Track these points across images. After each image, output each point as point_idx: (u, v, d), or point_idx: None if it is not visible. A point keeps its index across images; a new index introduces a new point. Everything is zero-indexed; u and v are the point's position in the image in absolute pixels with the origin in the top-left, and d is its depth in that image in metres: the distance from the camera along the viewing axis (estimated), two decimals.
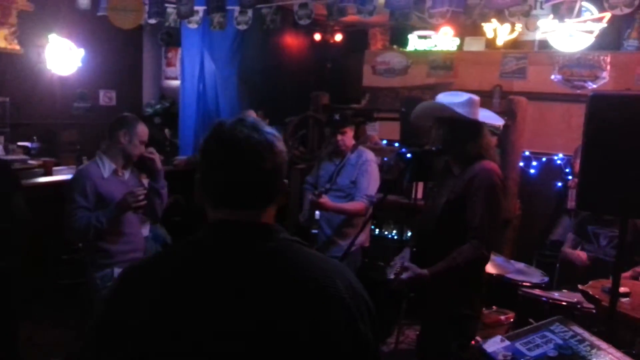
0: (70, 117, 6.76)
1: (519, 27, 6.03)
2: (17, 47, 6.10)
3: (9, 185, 3.06)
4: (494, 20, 6.02)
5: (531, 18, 5.56)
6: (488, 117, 2.80)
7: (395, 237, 5.44)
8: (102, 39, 6.73)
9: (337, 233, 3.90)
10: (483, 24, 6.13)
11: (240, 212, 1.17)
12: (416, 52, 6.52)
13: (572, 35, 5.44)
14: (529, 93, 5.30)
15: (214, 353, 1.07)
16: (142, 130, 3.05)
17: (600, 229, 3.91)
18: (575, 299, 3.50)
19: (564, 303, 3.47)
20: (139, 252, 3.14)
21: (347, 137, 3.91)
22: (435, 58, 6.32)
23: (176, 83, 7.88)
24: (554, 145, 5.51)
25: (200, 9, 5.29)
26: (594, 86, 5.41)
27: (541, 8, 5.52)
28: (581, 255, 3.92)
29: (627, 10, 3.88)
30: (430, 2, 4.33)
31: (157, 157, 3.11)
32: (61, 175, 5.09)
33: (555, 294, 3.69)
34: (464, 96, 2.67)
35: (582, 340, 1.96)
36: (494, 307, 3.67)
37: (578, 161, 4.91)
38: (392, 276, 2.49)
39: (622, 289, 2.42)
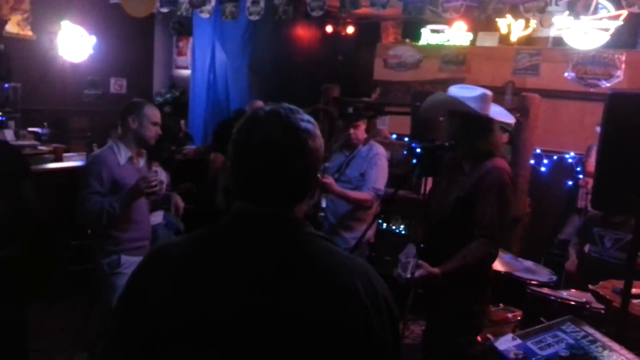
0: (81, 104, 6.78)
1: (533, 23, 5.97)
2: (30, 33, 6.12)
3: (18, 171, 3.06)
4: (508, 15, 5.96)
5: (546, 14, 5.50)
6: (499, 113, 2.77)
7: (403, 232, 5.42)
8: (113, 27, 6.73)
9: (341, 224, 3.88)
10: (497, 19, 6.08)
11: (267, 207, 1.15)
12: (428, 47, 6.48)
13: (587, 32, 5.39)
14: (542, 90, 5.24)
15: (227, 339, 1.07)
16: (151, 112, 3.04)
17: (606, 231, 3.89)
18: (584, 299, 3.49)
19: (572, 303, 3.45)
20: (147, 240, 3.15)
21: (360, 131, 3.89)
22: (448, 53, 6.27)
23: (187, 72, 7.88)
24: (565, 143, 5.47)
25: None
26: (608, 85, 5.35)
27: (556, 4, 5.45)
28: (571, 266, 3.98)
29: None
30: None
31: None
32: (71, 162, 5.11)
33: (564, 293, 3.67)
34: (477, 91, 2.63)
35: (594, 341, 1.94)
36: (500, 304, 3.65)
37: (590, 160, 4.93)
38: (408, 275, 2.44)
39: (633, 290, 2.39)
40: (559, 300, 3.49)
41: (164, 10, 5.44)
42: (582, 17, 5.22)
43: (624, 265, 2.47)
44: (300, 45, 7.52)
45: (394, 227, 5.41)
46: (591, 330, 2.01)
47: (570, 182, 5.40)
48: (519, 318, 3.49)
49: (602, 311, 3.23)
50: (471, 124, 2.59)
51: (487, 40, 6.22)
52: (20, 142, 5.17)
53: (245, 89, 6.89)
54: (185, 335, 1.08)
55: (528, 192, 5.03)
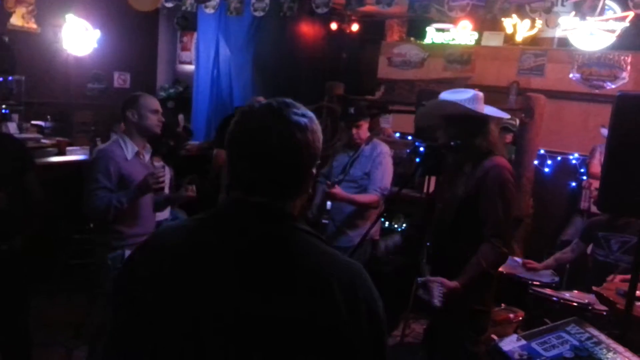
0: (84, 97, 6.78)
1: (539, 23, 5.96)
2: (34, 26, 6.12)
3: (23, 164, 3.05)
4: (514, 15, 5.95)
5: (552, 15, 5.48)
6: (493, 111, 2.77)
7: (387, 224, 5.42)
8: (118, 21, 6.73)
9: (347, 224, 3.88)
10: (503, 19, 6.06)
11: (257, 198, 1.16)
12: (433, 45, 6.47)
13: (593, 33, 5.37)
14: (547, 91, 5.24)
15: (208, 329, 1.07)
16: (148, 101, 3.01)
17: (612, 234, 3.87)
18: (587, 300, 3.48)
19: (574, 304, 3.45)
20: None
21: (362, 131, 3.89)
22: (453, 52, 6.27)
23: (190, 68, 7.87)
24: (569, 144, 5.46)
25: None
26: (613, 86, 5.34)
27: (563, 5, 5.43)
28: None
29: None
30: None
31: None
32: (75, 156, 5.10)
33: (566, 294, 3.67)
34: (469, 92, 2.65)
35: (598, 343, 1.94)
36: (502, 304, 3.65)
37: (593, 161, 4.92)
38: (438, 303, 2.40)
39: (638, 293, 2.39)
40: (561, 301, 3.49)
41: (169, 5, 5.44)
42: (588, 18, 5.20)
43: (630, 268, 2.46)
44: (304, 42, 7.50)
45: (396, 226, 5.41)
46: (595, 332, 2.01)
47: (573, 184, 5.40)
48: (520, 318, 3.48)
49: (605, 313, 3.23)
50: (470, 124, 2.59)
51: (493, 40, 6.21)
52: (23, 135, 5.16)
53: (248, 85, 6.88)
54: (167, 327, 1.10)
55: (531, 192, 5.02)
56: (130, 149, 2.98)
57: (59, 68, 6.43)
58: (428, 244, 2.75)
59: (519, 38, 6.08)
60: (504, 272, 3.65)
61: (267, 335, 1.05)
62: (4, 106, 5.43)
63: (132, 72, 7.37)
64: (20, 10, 5.95)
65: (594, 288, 3.06)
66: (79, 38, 6.43)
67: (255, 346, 1.05)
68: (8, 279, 3.01)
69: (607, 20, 5.25)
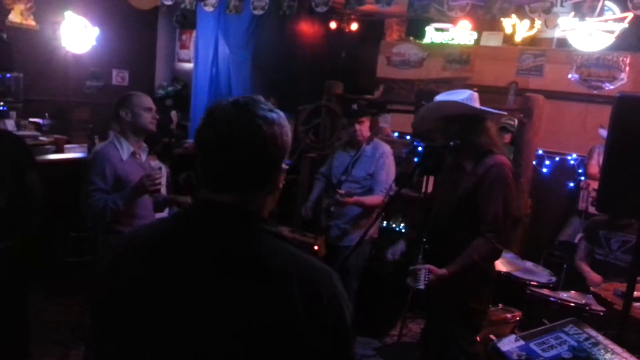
0: (83, 95, 6.77)
1: (538, 23, 5.96)
2: (33, 23, 6.10)
3: (23, 161, 3.05)
4: (513, 15, 5.95)
5: (551, 15, 5.49)
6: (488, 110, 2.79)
7: (403, 230, 5.43)
8: (117, 19, 6.72)
9: (350, 224, 3.91)
10: (502, 19, 6.06)
11: (225, 195, 1.15)
12: (432, 45, 6.47)
13: (592, 34, 5.37)
14: (545, 91, 5.24)
15: (172, 333, 1.08)
16: (141, 99, 3.00)
17: (612, 234, 3.88)
18: (584, 301, 3.49)
19: (572, 304, 3.46)
20: None
21: (364, 127, 3.89)
22: (452, 52, 6.26)
23: (189, 66, 7.86)
24: (568, 145, 5.47)
25: None
26: (612, 87, 5.35)
27: (562, 5, 5.44)
28: (597, 279, 3.79)
29: None
30: None
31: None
32: (73, 154, 5.09)
33: (564, 295, 3.68)
34: (465, 92, 2.67)
35: (596, 344, 1.94)
36: (500, 304, 3.65)
37: (591, 162, 4.93)
38: (422, 286, 2.44)
39: (635, 293, 2.39)
40: (558, 301, 3.50)
41: (168, 2, 5.43)
42: (587, 18, 5.20)
43: (629, 268, 2.47)
44: (303, 41, 7.49)
45: (394, 225, 5.41)
46: (593, 333, 2.01)
47: (571, 184, 5.40)
48: (518, 318, 3.50)
49: (602, 313, 3.24)
50: (470, 123, 2.61)
51: (492, 40, 6.21)
52: (21, 133, 5.14)
53: (247, 83, 6.87)
54: (126, 329, 1.13)
55: (529, 193, 5.03)
56: (125, 149, 2.97)
57: (58, 65, 6.42)
58: (424, 239, 2.75)
59: (518, 38, 6.08)
60: (502, 272, 3.65)
61: (228, 338, 1.05)
62: (1, 103, 5.41)
63: (131, 70, 7.35)
64: (19, 7, 5.94)
65: (591, 289, 3.07)
66: (77, 35, 6.42)
67: (218, 349, 1.05)
68: (6, 277, 3.01)
69: (606, 21, 5.26)
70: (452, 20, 6.17)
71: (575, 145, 5.39)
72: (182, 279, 1.10)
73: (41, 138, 5.36)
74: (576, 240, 4.73)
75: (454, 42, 6.36)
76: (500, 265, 3.51)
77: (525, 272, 4.00)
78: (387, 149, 3.94)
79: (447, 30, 6.44)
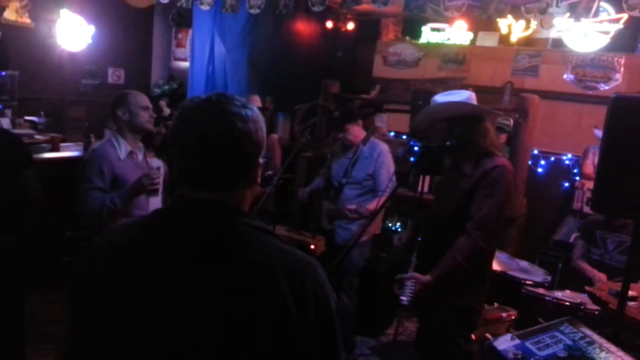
0: (78, 93, 6.76)
1: (533, 24, 5.99)
2: (28, 21, 6.08)
3: (20, 159, 3.02)
4: (509, 16, 5.97)
5: (547, 16, 5.50)
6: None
7: (399, 230, 5.44)
8: (112, 17, 6.70)
9: (352, 222, 3.93)
10: (498, 20, 6.09)
11: (203, 192, 1.15)
12: (428, 45, 6.49)
13: (587, 35, 5.40)
14: (541, 91, 5.26)
15: (156, 324, 1.07)
16: (137, 97, 2.98)
17: (609, 234, 3.90)
18: (579, 300, 3.51)
19: (567, 303, 3.48)
20: None
21: (352, 133, 3.91)
22: (448, 51, 6.29)
23: (185, 64, 7.86)
24: (563, 145, 5.50)
25: None
26: (607, 88, 5.38)
27: (557, 6, 5.46)
28: (602, 276, 3.81)
29: None
30: None
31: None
32: (68, 152, 5.07)
33: (559, 294, 3.69)
34: (464, 93, 2.66)
35: (592, 342, 1.96)
36: (495, 303, 3.67)
37: (586, 162, 4.96)
38: (405, 300, 2.39)
39: (630, 293, 2.41)
40: (553, 300, 3.52)
41: (164, 1, 5.42)
42: (582, 19, 5.23)
43: (624, 267, 2.48)
44: (299, 40, 7.49)
45: (390, 225, 5.43)
46: (588, 332, 2.03)
47: (566, 184, 5.43)
48: (513, 317, 3.50)
49: (597, 312, 3.26)
50: (471, 124, 2.59)
51: (487, 40, 6.24)
52: (16, 131, 5.12)
53: (243, 82, 6.87)
54: (115, 326, 1.11)
55: (524, 192, 5.05)
56: (123, 148, 2.96)
57: (53, 63, 6.40)
58: (419, 239, 2.76)
59: (513, 38, 6.11)
60: (497, 271, 3.66)
61: (216, 334, 1.05)
62: None
63: (127, 68, 7.34)
64: (14, 4, 5.92)
65: (586, 288, 3.09)
66: (73, 33, 6.40)
67: (206, 346, 1.05)
68: (2, 276, 2.99)
69: (601, 21, 5.29)
70: (448, 21, 6.20)
71: (570, 145, 5.43)
72: (164, 276, 1.09)
73: (37, 136, 5.34)
74: (571, 240, 4.76)
75: (450, 42, 6.39)
76: (496, 265, 3.52)
77: (520, 271, 4.01)
78: (384, 147, 3.96)
79: (443, 30, 6.46)
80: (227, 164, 1.15)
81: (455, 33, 6.36)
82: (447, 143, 2.64)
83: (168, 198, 4.11)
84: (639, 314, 2.49)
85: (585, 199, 4.88)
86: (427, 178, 5.02)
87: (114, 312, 1.11)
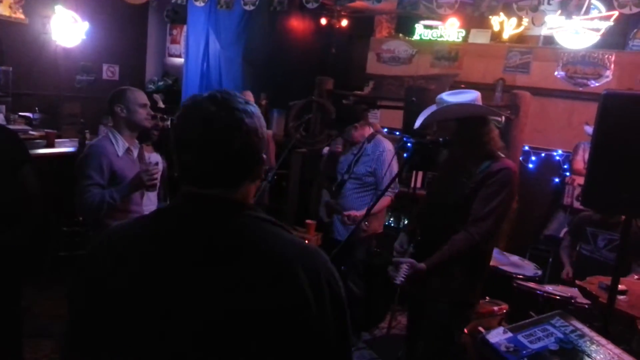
0: (73, 89, 6.74)
1: (525, 21, 6.04)
2: (22, 17, 6.05)
3: (17, 156, 3.01)
4: (501, 13, 6.02)
5: (538, 13, 5.55)
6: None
7: (392, 225, 5.49)
8: (107, 13, 6.69)
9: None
10: (490, 17, 6.13)
11: (210, 189, 1.15)
12: (422, 42, 6.53)
13: (578, 32, 5.46)
14: (532, 88, 5.33)
15: (166, 322, 1.07)
16: (135, 94, 2.98)
17: (600, 231, 3.95)
18: (569, 294, 3.58)
19: (557, 297, 3.54)
20: None
21: (355, 132, 3.93)
22: (441, 48, 6.33)
23: (180, 61, 7.85)
24: (553, 141, 5.56)
25: None
26: (597, 84, 5.45)
27: (549, 3, 5.50)
28: (568, 272, 4.07)
29: (636, 10, 3.91)
30: None
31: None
32: (63, 148, 5.07)
33: (549, 288, 3.75)
34: (471, 93, 2.67)
35: (582, 336, 2.00)
36: (487, 297, 3.72)
37: (577, 158, 5.02)
38: (399, 281, 2.49)
39: (620, 287, 2.46)
40: (544, 294, 3.57)
41: None
42: (574, 16, 5.28)
43: (614, 262, 2.53)
44: (294, 36, 7.51)
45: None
46: (579, 325, 2.07)
47: (557, 179, 5.50)
48: (504, 311, 3.56)
49: (587, 306, 3.32)
50: (478, 124, 2.60)
51: (480, 37, 6.28)
52: (11, 127, 5.11)
53: (238, 78, 6.88)
54: (131, 328, 1.10)
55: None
56: (121, 144, 2.96)
57: (47, 59, 6.38)
58: (419, 238, 2.78)
59: (505, 36, 6.16)
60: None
61: (237, 327, 1.05)
62: None
63: (121, 65, 7.33)
64: (8, 0, 5.89)
65: (577, 282, 3.13)
66: (67, 29, 6.38)
67: (225, 339, 1.05)
68: (4, 271, 2.99)
69: (592, 19, 5.34)
70: (441, 18, 6.23)
71: (561, 142, 5.49)
72: (177, 274, 1.08)
73: (32, 132, 5.33)
74: (561, 235, 4.83)
75: (443, 39, 6.42)
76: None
77: (511, 265, 4.06)
78: (388, 146, 3.96)
79: (436, 27, 6.50)
80: (235, 160, 1.14)
81: (448, 30, 6.41)
82: (440, 139, 2.68)
83: (166, 193, 4.14)
84: (629, 308, 2.53)
85: (575, 195, 4.94)
86: (420, 174, 5.07)
87: (123, 310, 1.10)
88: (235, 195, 1.16)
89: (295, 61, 7.24)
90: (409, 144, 5.31)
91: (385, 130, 6.15)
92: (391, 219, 5.54)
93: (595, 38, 5.37)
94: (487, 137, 2.61)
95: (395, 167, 3.91)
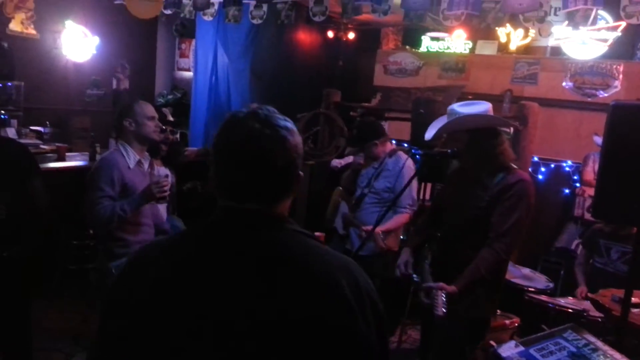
0: (83, 103, 6.79)
1: (532, 32, 6.05)
2: (34, 32, 6.14)
3: (27, 168, 3.04)
4: (507, 24, 6.03)
5: (545, 24, 5.57)
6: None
7: (401, 237, 5.45)
8: (117, 28, 6.76)
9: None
10: (497, 28, 6.15)
11: (251, 204, 1.16)
12: (428, 54, 6.55)
13: (585, 43, 5.46)
14: (540, 99, 5.32)
15: (204, 341, 1.07)
16: (144, 108, 2.99)
17: (613, 243, 3.90)
18: (582, 307, 3.54)
19: (570, 310, 3.51)
20: None
21: (380, 149, 3.92)
22: (448, 60, 6.34)
23: (189, 74, 7.91)
24: (562, 152, 5.54)
25: (215, 1, 5.31)
26: (605, 95, 5.43)
27: (556, 14, 5.52)
28: (582, 291, 3.94)
29: None
30: (445, 4, 4.34)
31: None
32: (74, 162, 5.10)
33: (561, 301, 3.72)
34: (483, 104, 2.65)
35: (595, 349, 1.98)
36: (498, 311, 3.69)
37: (587, 169, 5.00)
38: (441, 313, 2.39)
39: (633, 300, 2.44)
40: (556, 307, 3.55)
41: (168, 12, 5.47)
42: (580, 27, 5.29)
43: (627, 275, 2.50)
44: (301, 49, 7.56)
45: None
46: (592, 339, 2.05)
47: (567, 191, 5.46)
48: (516, 324, 3.53)
49: (600, 319, 3.29)
50: (491, 137, 2.59)
51: (486, 49, 6.29)
52: (22, 141, 5.15)
53: (246, 91, 6.92)
54: (165, 339, 1.09)
55: None
56: (132, 157, 2.98)
57: (58, 74, 6.45)
58: (433, 248, 2.76)
59: (512, 47, 6.17)
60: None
61: (282, 339, 1.05)
62: (2, 112, 5.42)
63: (131, 79, 7.38)
64: (20, 16, 5.98)
65: (589, 295, 3.11)
66: (78, 44, 6.46)
67: (270, 352, 1.05)
68: (9, 285, 3.01)
69: (599, 29, 5.35)
70: (448, 30, 6.26)
71: (570, 152, 5.46)
72: (222, 286, 1.09)
73: (42, 146, 5.36)
74: (573, 247, 4.79)
75: (450, 50, 6.45)
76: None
77: (522, 278, 4.04)
78: (408, 162, 3.93)
79: (442, 39, 6.53)
80: (277, 177, 1.16)
81: (454, 42, 6.43)
82: (449, 151, 2.67)
83: (174, 207, 4.15)
84: None
85: (586, 206, 4.91)
86: (429, 185, 5.05)
87: (174, 325, 1.09)
88: (275, 210, 1.18)
89: (302, 74, 7.28)
90: (417, 156, 5.30)
91: (394, 142, 6.16)
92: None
93: (603, 48, 5.37)
94: (500, 148, 2.59)
95: (415, 184, 3.87)
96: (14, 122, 5.54)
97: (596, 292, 3.11)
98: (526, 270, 4.20)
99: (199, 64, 7.23)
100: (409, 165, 3.92)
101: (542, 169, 5.56)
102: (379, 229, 3.57)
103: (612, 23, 5.34)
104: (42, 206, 3.05)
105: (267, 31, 6.65)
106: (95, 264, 3.20)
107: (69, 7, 6.37)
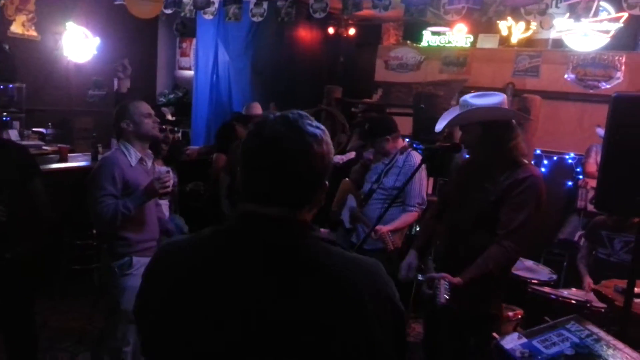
0: (85, 104, 6.82)
1: (533, 25, 6.02)
2: (35, 34, 6.16)
3: (27, 169, 3.05)
4: (509, 18, 6.01)
5: (547, 16, 5.54)
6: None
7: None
8: (117, 28, 6.78)
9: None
10: (498, 22, 6.13)
11: (274, 208, 1.16)
12: (429, 48, 6.53)
13: (587, 34, 5.43)
14: (542, 92, 5.30)
15: (225, 342, 1.09)
16: (138, 106, 2.99)
17: (615, 234, 3.89)
18: (585, 298, 3.54)
19: (573, 302, 3.50)
20: (155, 240, 3.13)
21: (391, 145, 3.89)
22: (449, 54, 6.33)
23: (190, 73, 7.93)
24: (565, 144, 5.52)
25: (216, 0, 5.31)
26: (608, 86, 5.41)
27: (557, 7, 5.51)
28: (589, 283, 3.84)
29: None
30: None
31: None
32: (76, 162, 5.12)
33: (565, 292, 3.72)
34: (498, 95, 2.57)
35: (598, 340, 1.96)
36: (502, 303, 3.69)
37: (589, 161, 4.98)
38: (443, 300, 2.32)
39: (636, 290, 2.43)
40: (559, 299, 3.54)
41: (168, 11, 5.48)
42: (582, 19, 5.27)
43: (630, 265, 2.50)
44: (302, 46, 7.56)
45: None
46: (595, 329, 2.03)
47: (570, 183, 5.45)
48: (520, 317, 3.52)
49: (603, 310, 3.28)
50: (504, 130, 2.51)
51: (488, 42, 6.28)
52: (24, 142, 5.18)
53: (247, 89, 6.93)
54: (188, 339, 1.11)
55: None
56: (133, 155, 2.98)
57: (60, 75, 6.48)
58: (437, 242, 2.74)
59: (514, 40, 6.14)
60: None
61: (298, 346, 1.07)
62: (5, 113, 5.45)
63: (132, 79, 7.40)
64: (21, 18, 6.00)
65: (592, 286, 3.10)
66: (79, 45, 6.48)
67: (289, 355, 1.07)
68: (13, 286, 3.02)
69: (601, 21, 5.33)
70: (449, 24, 6.24)
71: (573, 144, 5.45)
72: (247, 288, 1.10)
73: (45, 147, 5.39)
74: (576, 238, 4.78)
75: (451, 45, 6.43)
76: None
77: (525, 270, 4.03)
78: (419, 160, 3.92)
79: (443, 33, 6.51)
80: (300, 184, 1.16)
81: (455, 36, 6.41)
82: (449, 145, 2.65)
83: (176, 206, 4.15)
84: None
85: (589, 198, 4.89)
86: (431, 180, 5.05)
87: (197, 326, 1.11)
88: (296, 216, 1.17)
89: (303, 70, 7.28)
90: (418, 151, 5.30)
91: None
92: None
93: (605, 40, 5.34)
94: (514, 142, 2.51)
95: (425, 181, 3.84)
96: (16, 123, 5.57)
97: (601, 283, 3.10)
98: (529, 263, 4.18)
99: (200, 63, 7.24)
100: (418, 163, 3.89)
101: (545, 162, 5.55)
102: (387, 228, 3.55)
103: (614, 14, 5.32)
104: (43, 207, 3.06)
105: (267, 29, 6.65)
106: (98, 264, 3.20)
107: (69, 9, 6.39)
